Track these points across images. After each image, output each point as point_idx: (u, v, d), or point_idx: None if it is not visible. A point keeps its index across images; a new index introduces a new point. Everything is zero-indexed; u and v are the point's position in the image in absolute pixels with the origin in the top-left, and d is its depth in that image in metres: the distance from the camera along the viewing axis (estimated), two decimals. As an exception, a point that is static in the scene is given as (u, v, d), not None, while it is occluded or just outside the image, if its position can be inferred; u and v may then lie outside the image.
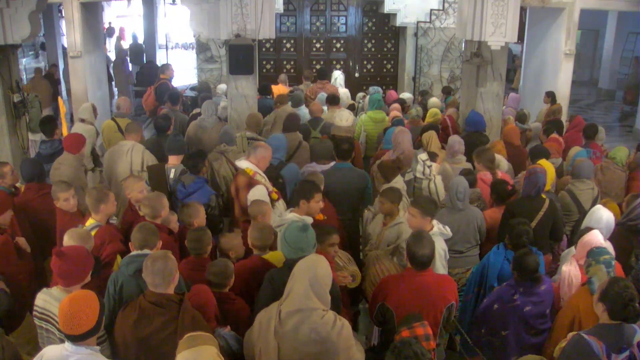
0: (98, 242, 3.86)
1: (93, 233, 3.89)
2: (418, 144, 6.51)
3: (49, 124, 6.14)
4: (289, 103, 7.89)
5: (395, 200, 4.40)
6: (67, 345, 2.65)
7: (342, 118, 6.42)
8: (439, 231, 4.15)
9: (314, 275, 2.80)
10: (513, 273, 3.75)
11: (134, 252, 3.47)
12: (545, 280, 3.72)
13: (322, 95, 8.36)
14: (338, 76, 10.07)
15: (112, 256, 3.89)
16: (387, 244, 4.37)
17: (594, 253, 3.66)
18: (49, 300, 3.19)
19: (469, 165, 5.64)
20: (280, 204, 4.95)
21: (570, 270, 3.94)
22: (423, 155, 5.39)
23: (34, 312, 3.27)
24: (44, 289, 3.29)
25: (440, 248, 4.10)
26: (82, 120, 7.10)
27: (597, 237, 3.91)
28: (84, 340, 2.64)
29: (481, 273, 4.21)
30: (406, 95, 9.75)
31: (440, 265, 4.08)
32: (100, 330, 2.78)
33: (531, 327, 3.68)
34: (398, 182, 5.20)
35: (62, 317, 2.63)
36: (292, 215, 4.31)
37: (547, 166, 5.37)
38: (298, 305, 2.78)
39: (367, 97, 8.40)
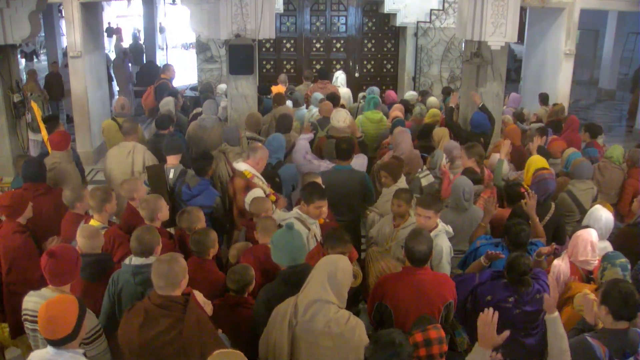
0: (108, 244, 3.87)
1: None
2: (417, 144, 6.50)
3: (52, 122, 6.10)
4: (290, 103, 7.91)
5: (409, 200, 4.40)
6: (49, 349, 2.63)
7: (339, 119, 6.42)
8: (443, 228, 4.17)
9: (334, 270, 2.83)
10: (504, 273, 3.74)
11: (139, 262, 3.40)
12: (542, 289, 3.65)
13: (317, 95, 8.36)
14: (339, 76, 10.06)
15: (124, 259, 3.87)
16: (402, 245, 4.36)
17: (609, 257, 3.63)
18: (40, 302, 3.13)
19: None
20: (282, 203, 4.94)
21: (560, 265, 3.96)
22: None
23: (25, 316, 3.23)
24: (31, 292, 3.26)
25: (447, 245, 4.13)
26: None
27: (590, 235, 3.91)
28: (63, 344, 2.61)
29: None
30: (411, 94, 9.73)
31: (445, 262, 4.08)
32: (80, 335, 2.72)
33: (521, 329, 3.63)
34: (402, 182, 5.21)
35: (40, 321, 2.62)
36: (295, 212, 4.32)
37: (539, 160, 5.41)
38: (314, 296, 2.79)
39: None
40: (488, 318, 2.75)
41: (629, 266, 3.65)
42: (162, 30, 20.81)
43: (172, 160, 5.33)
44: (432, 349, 2.82)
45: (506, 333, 2.75)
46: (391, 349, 2.39)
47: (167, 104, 7.65)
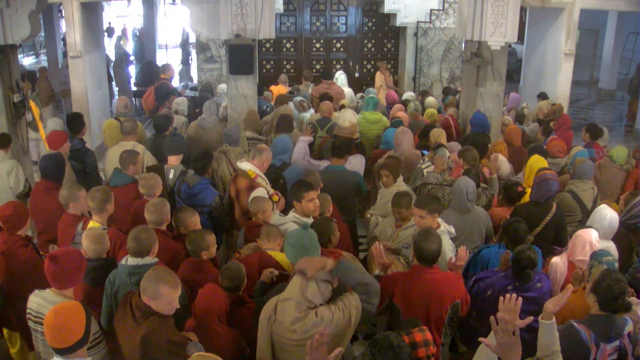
0: (110, 245, 3.83)
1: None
2: (419, 143, 6.51)
3: (76, 122, 6.03)
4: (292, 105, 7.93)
5: (409, 205, 4.39)
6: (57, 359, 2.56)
7: (345, 118, 6.43)
8: (445, 229, 4.17)
9: (305, 269, 2.79)
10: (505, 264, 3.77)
11: (134, 262, 3.39)
12: (543, 279, 3.71)
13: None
14: (339, 76, 10.08)
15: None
16: (403, 245, 4.37)
17: (597, 255, 3.66)
18: (42, 303, 3.16)
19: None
20: (281, 205, 4.94)
21: (558, 264, 3.97)
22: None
23: (28, 316, 3.23)
24: (36, 291, 3.25)
25: (449, 244, 4.15)
26: (177, 112, 7.59)
27: (590, 234, 3.91)
28: (73, 352, 2.55)
29: (482, 270, 4.20)
30: (409, 94, 9.75)
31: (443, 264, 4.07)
32: (89, 340, 2.71)
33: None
34: (400, 181, 5.21)
35: (48, 330, 2.54)
36: (291, 215, 4.32)
37: (540, 161, 5.41)
38: (287, 295, 2.81)
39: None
40: (511, 304, 2.51)
41: (616, 264, 3.66)
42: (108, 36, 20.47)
43: (173, 160, 5.32)
44: (418, 352, 2.81)
45: (530, 318, 2.62)
46: (390, 351, 2.39)
47: (181, 103, 7.72)
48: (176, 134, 5.99)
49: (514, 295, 2.57)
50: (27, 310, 3.23)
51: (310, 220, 4.26)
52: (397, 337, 2.49)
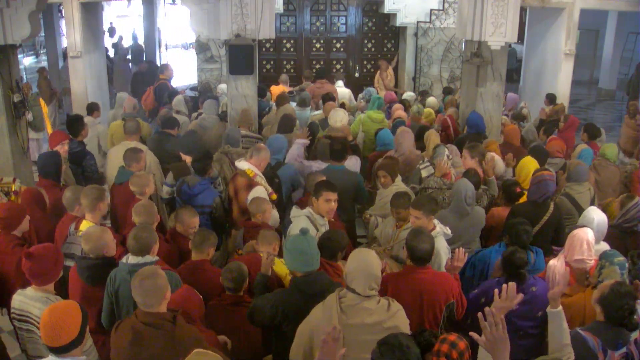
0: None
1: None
2: (417, 145, 6.51)
3: (75, 124, 6.01)
4: (294, 104, 7.93)
5: (408, 204, 4.37)
6: (52, 358, 2.57)
7: (337, 118, 6.42)
8: (441, 230, 4.16)
9: (366, 267, 2.85)
10: (501, 268, 3.75)
11: (135, 260, 3.39)
12: (538, 282, 3.68)
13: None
14: (337, 81, 10.11)
15: (119, 259, 3.85)
16: (403, 246, 4.36)
17: (608, 255, 3.61)
18: (25, 301, 3.21)
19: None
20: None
21: (556, 265, 3.95)
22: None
23: (12, 315, 3.27)
24: (19, 290, 3.29)
25: (444, 246, 4.13)
26: (178, 112, 7.66)
27: (586, 233, 3.89)
28: (67, 352, 2.55)
29: (481, 271, 4.21)
30: (409, 94, 9.75)
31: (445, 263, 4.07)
32: (85, 342, 2.69)
33: (518, 329, 3.59)
34: (398, 181, 5.20)
35: (43, 328, 2.56)
36: (307, 210, 4.30)
37: (531, 162, 5.42)
38: (357, 299, 2.83)
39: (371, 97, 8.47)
40: (510, 293, 2.56)
41: (627, 265, 3.64)
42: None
43: (188, 159, 5.34)
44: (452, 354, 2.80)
45: (520, 295, 2.62)
46: (399, 351, 2.40)
47: (179, 103, 7.72)
48: (194, 132, 5.99)
49: (512, 283, 2.58)
50: (11, 310, 3.27)
51: (324, 220, 4.25)
52: (406, 338, 2.49)
